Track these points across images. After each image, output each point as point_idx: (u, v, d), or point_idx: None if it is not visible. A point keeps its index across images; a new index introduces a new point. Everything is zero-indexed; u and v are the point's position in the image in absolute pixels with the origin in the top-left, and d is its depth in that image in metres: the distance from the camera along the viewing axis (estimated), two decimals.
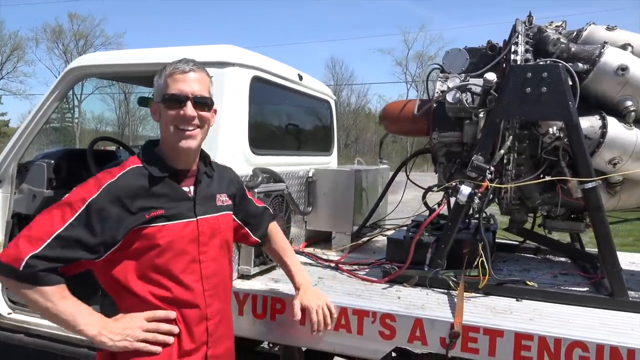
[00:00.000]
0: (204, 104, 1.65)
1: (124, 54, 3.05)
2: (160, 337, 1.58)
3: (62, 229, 1.46)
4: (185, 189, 1.67)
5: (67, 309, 1.48)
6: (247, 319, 2.31)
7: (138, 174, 1.59)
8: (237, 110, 2.63)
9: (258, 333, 2.35)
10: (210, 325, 1.69)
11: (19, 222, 3.15)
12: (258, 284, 2.45)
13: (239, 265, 2.51)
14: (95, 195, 1.50)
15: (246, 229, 1.98)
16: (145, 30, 77.97)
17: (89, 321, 1.50)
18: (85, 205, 1.48)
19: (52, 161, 3.35)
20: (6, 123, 38.32)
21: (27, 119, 3.13)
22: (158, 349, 1.57)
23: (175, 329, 1.61)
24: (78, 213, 1.48)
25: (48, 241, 1.44)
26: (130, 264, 1.57)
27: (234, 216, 1.89)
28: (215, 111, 1.74)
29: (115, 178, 1.55)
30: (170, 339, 1.60)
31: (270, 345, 3.13)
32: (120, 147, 3.63)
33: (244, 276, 2.53)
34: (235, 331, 2.35)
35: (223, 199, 1.80)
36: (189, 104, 1.60)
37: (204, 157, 1.77)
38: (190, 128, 1.62)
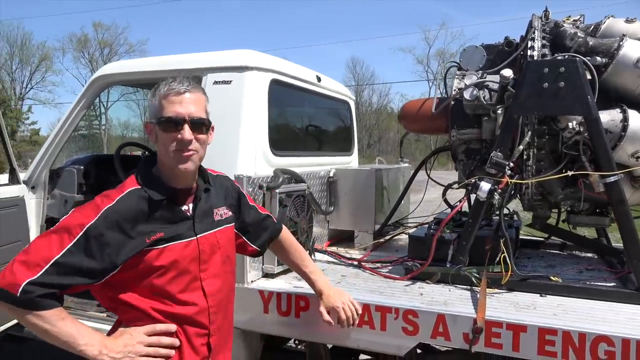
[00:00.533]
0: (201, 125, 1.59)
1: (145, 61, 3.14)
2: (163, 351, 1.56)
3: (60, 255, 1.42)
4: (184, 207, 1.64)
5: (66, 330, 1.45)
6: (273, 317, 2.36)
7: (137, 197, 1.54)
8: (256, 113, 2.68)
9: (283, 330, 2.41)
10: (213, 341, 1.69)
11: (52, 226, 3.26)
12: (282, 283, 2.50)
13: (263, 265, 2.56)
14: (94, 220, 1.46)
15: (244, 237, 1.92)
16: (168, 36, 79.16)
17: (89, 341, 1.47)
18: (83, 231, 1.44)
19: (82, 167, 3.47)
20: (37, 132, 39.44)
21: (56, 127, 3.26)
22: None
23: (176, 341, 1.59)
24: (76, 239, 1.44)
25: (46, 267, 1.40)
26: (130, 285, 1.55)
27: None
28: (213, 128, 1.68)
29: (114, 202, 1.50)
30: (172, 352, 1.59)
31: (296, 343, 3.18)
32: (146, 152, 3.73)
33: (268, 275, 2.58)
34: (261, 329, 2.44)
35: (221, 212, 1.75)
36: (186, 127, 1.55)
37: (202, 172, 1.72)
38: (188, 151, 1.56)
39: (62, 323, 1.45)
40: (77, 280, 1.45)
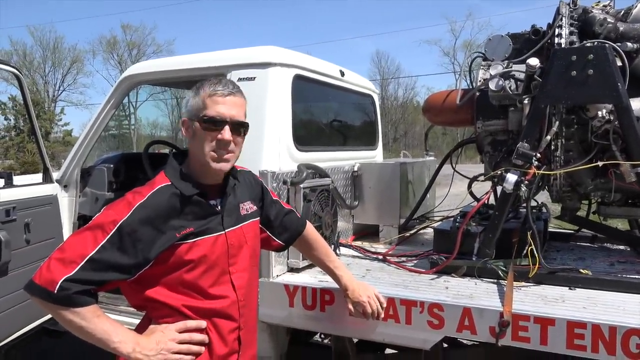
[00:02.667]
0: (241, 128, 1.64)
1: (172, 60, 3.19)
2: (195, 348, 1.58)
3: (94, 251, 1.45)
4: (213, 202, 1.67)
5: (101, 327, 1.47)
6: (298, 311, 2.37)
7: (167, 193, 1.57)
8: (280, 108, 2.70)
9: (309, 324, 2.42)
10: (242, 335, 1.71)
11: (84, 223, 3.36)
12: (307, 277, 2.51)
13: (288, 259, 2.58)
14: (126, 217, 1.49)
15: (268, 232, 1.95)
16: (194, 35, 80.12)
17: (123, 339, 1.49)
18: (116, 228, 1.47)
19: (112, 165, 3.56)
20: (69, 132, 40.41)
21: (87, 127, 3.35)
22: (192, 358, 1.59)
23: (206, 338, 1.61)
24: (110, 235, 1.47)
25: (81, 264, 1.43)
26: (161, 280, 1.57)
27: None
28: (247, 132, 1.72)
29: (145, 198, 1.54)
30: (202, 349, 1.61)
31: (322, 337, 3.20)
32: (173, 150, 3.80)
33: (293, 269, 2.60)
34: (286, 323, 2.46)
35: (247, 207, 1.78)
36: (227, 128, 1.59)
37: (231, 169, 1.73)
38: (226, 152, 1.61)
39: (97, 320, 1.48)
40: (111, 276, 1.48)
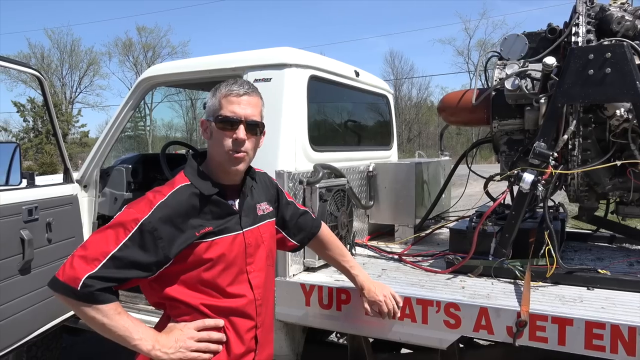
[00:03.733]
0: (256, 127, 1.65)
1: (188, 62, 3.23)
2: (212, 346, 1.60)
3: (116, 249, 1.47)
4: (231, 202, 1.69)
5: (122, 325, 1.50)
6: (314, 310, 2.39)
7: (187, 193, 1.60)
8: (296, 109, 2.72)
9: (325, 323, 2.43)
10: (259, 333, 1.73)
11: (103, 223, 3.42)
12: (323, 276, 2.53)
13: (304, 259, 2.60)
14: (147, 215, 1.51)
15: (283, 233, 1.97)
16: (208, 35, 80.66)
17: (143, 336, 1.52)
18: (137, 226, 1.50)
19: (130, 166, 3.61)
20: (86, 134, 40.93)
21: (105, 128, 3.40)
22: (210, 356, 1.61)
23: (224, 337, 1.63)
24: (131, 233, 1.49)
25: (103, 261, 1.46)
26: (180, 278, 1.59)
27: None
28: (264, 133, 1.74)
29: (166, 197, 1.56)
30: (220, 348, 1.63)
31: (338, 336, 3.21)
32: (190, 150, 3.85)
33: (309, 269, 2.62)
34: (302, 322, 2.48)
35: (264, 208, 1.80)
36: (242, 127, 1.60)
37: (248, 169, 1.76)
38: (240, 151, 1.62)
39: (119, 317, 1.50)
40: (133, 274, 1.50)
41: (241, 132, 1.61)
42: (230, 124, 1.61)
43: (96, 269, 1.45)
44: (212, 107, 1.64)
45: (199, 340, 1.59)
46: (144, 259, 1.50)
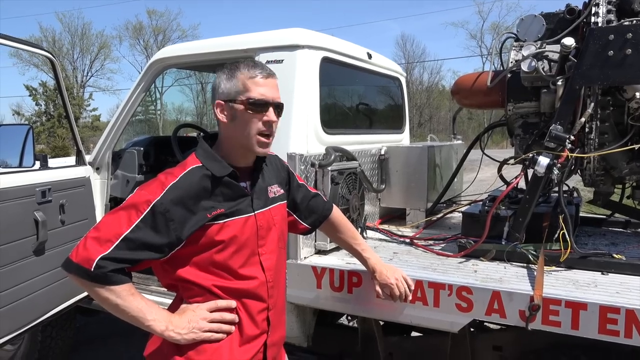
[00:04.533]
0: (280, 110, 1.67)
1: (199, 43, 3.21)
2: (225, 327, 1.61)
3: (129, 230, 1.48)
4: (243, 184, 1.68)
5: (135, 306, 1.51)
6: (325, 293, 2.40)
7: (199, 174, 1.59)
8: (308, 91, 2.70)
9: (336, 306, 2.44)
10: (271, 315, 1.73)
11: (115, 205, 3.43)
12: (335, 259, 2.53)
13: (315, 241, 2.60)
14: (159, 197, 1.51)
15: (294, 216, 1.97)
16: (218, 18, 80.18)
17: (157, 317, 1.53)
18: (150, 207, 1.49)
19: (142, 148, 3.62)
20: (97, 117, 41.12)
21: (117, 111, 3.40)
22: (223, 336, 1.61)
23: (236, 317, 1.64)
24: (143, 215, 1.49)
25: (116, 243, 1.46)
26: (192, 260, 1.59)
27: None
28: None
29: (177, 179, 1.56)
30: (233, 328, 1.64)
31: (349, 319, 3.23)
32: (201, 133, 3.85)
33: (320, 251, 2.62)
34: (314, 304, 2.49)
35: (275, 190, 1.80)
36: (271, 109, 1.61)
37: None
38: (269, 133, 1.63)
39: (132, 298, 1.51)
40: (145, 255, 1.51)
41: (272, 114, 1.61)
42: (262, 106, 1.60)
43: (109, 250, 1.46)
44: (232, 89, 1.61)
45: (212, 321, 1.59)
46: (156, 240, 1.50)
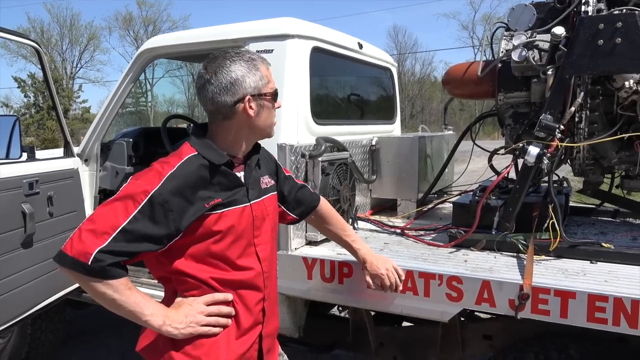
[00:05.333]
0: None
1: (188, 33, 3.17)
2: (223, 321, 1.60)
3: (126, 222, 1.43)
4: (238, 174, 1.67)
5: (133, 300, 1.47)
6: (316, 284, 2.40)
7: (196, 164, 1.56)
8: (298, 81, 2.68)
9: (327, 297, 2.44)
10: (267, 306, 1.73)
11: (104, 197, 3.41)
12: (325, 250, 2.53)
13: (306, 232, 2.60)
14: (157, 187, 1.47)
15: (283, 207, 1.96)
16: (209, 10, 79.43)
17: (154, 311, 1.50)
18: (148, 198, 1.45)
19: (131, 140, 3.59)
20: (87, 109, 40.64)
21: (105, 102, 3.36)
22: (220, 330, 1.60)
23: (233, 310, 1.63)
24: (141, 206, 1.45)
25: (113, 235, 1.41)
26: (188, 251, 1.57)
27: None
28: None
29: (175, 168, 1.52)
30: (229, 321, 1.62)
31: (340, 309, 3.23)
32: (191, 124, 3.82)
33: (311, 242, 2.62)
34: (304, 295, 2.48)
35: (266, 181, 1.80)
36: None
37: (255, 142, 1.76)
38: None
39: (129, 292, 1.47)
40: (144, 247, 1.46)
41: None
42: (277, 95, 1.68)
43: (106, 242, 1.41)
44: (260, 82, 1.60)
45: (209, 315, 1.57)
46: (154, 231, 1.46)
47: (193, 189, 1.53)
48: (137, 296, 1.49)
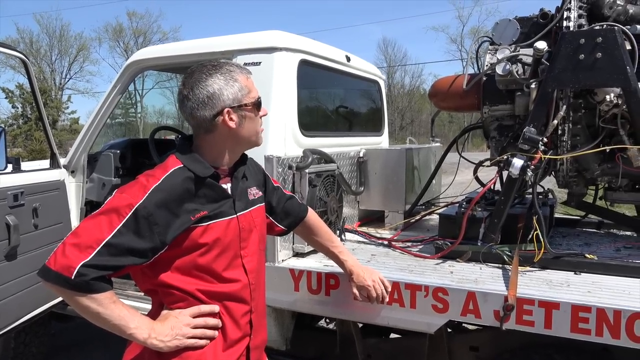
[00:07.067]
0: None
1: (176, 45, 3.19)
2: (209, 333, 1.58)
3: (110, 236, 1.42)
4: (224, 186, 1.66)
5: (118, 314, 1.46)
6: (303, 295, 2.39)
7: (182, 176, 1.55)
8: (286, 93, 2.69)
9: (314, 309, 2.43)
10: (254, 318, 1.72)
11: (91, 209, 3.39)
12: (312, 261, 2.53)
13: (293, 244, 2.60)
14: (142, 200, 1.46)
15: (271, 218, 1.95)
16: (200, 22, 79.70)
17: (139, 324, 1.49)
18: (132, 211, 1.44)
19: (118, 151, 3.58)
20: (76, 120, 40.39)
21: (93, 113, 3.35)
22: (207, 342, 1.58)
23: (219, 322, 1.61)
24: (126, 219, 1.44)
25: (98, 249, 1.40)
26: (174, 264, 1.55)
27: None
28: None
29: (160, 181, 1.51)
30: (216, 333, 1.61)
31: (327, 321, 3.22)
32: (179, 136, 3.81)
33: (298, 254, 2.62)
34: (292, 307, 2.48)
35: (254, 192, 1.78)
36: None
37: (242, 154, 1.75)
38: None
39: (114, 306, 1.46)
40: (128, 261, 1.45)
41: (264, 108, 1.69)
42: (260, 102, 1.67)
43: (90, 256, 1.40)
44: (238, 92, 1.59)
45: (195, 327, 1.56)
46: (139, 245, 1.45)
47: (178, 202, 1.52)
48: (121, 309, 1.48)
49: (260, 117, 1.68)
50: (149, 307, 1.69)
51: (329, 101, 3.64)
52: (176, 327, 1.53)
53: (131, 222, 1.44)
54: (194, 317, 1.57)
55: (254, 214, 1.75)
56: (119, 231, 1.43)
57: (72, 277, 1.38)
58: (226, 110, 1.57)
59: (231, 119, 1.58)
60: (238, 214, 1.67)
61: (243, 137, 1.64)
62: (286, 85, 2.70)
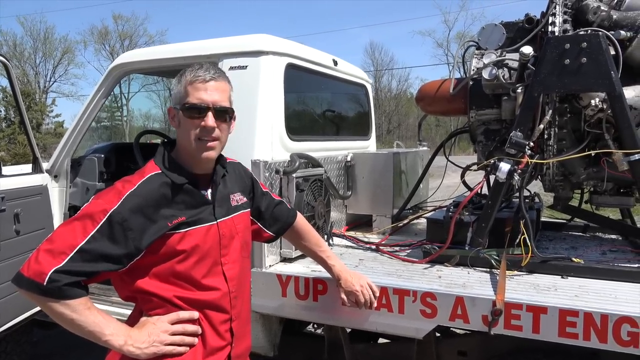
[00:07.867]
0: (225, 114, 1.60)
1: (161, 49, 3.15)
2: (188, 339, 1.56)
3: (84, 242, 1.41)
4: (204, 192, 1.64)
5: (92, 320, 1.44)
6: (291, 301, 2.37)
7: (158, 182, 1.54)
8: (272, 97, 2.67)
9: (302, 314, 2.42)
10: (235, 326, 1.69)
11: (75, 214, 3.32)
12: (300, 267, 2.51)
13: (280, 249, 2.57)
14: (116, 206, 1.45)
15: (259, 224, 1.93)
16: (186, 25, 79.31)
17: (114, 331, 1.47)
18: (106, 217, 1.44)
19: (102, 155, 3.53)
20: (61, 124, 39.90)
21: (76, 117, 3.30)
22: (186, 349, 1.56)
23: (199, 329, 1.59)
24: (100, 225, 1.43)
25: (71, 255, 1.40)
26: (152, 270, 1.54)
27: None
28: (235, 118, 1.68)
29: (136, 187, 1.50)
30: (196, 340, 1.59)
31: (315, 327, 3.20)
32: (165, 140, 3.77)
33: (286, 259, 2.59)
34: (279, 313, 2.45)
35: (237, 199, 1.76)
36: (210, 114, 1.55)
37: (220, 158, 1.70)
38: (211, 139, 1.57)
39: (89, 312, 1.44)
40: (102, 267, 1.44)
41: (210, 119, 1.55)
42: (198, 111, 1.55)
43: (63, 262, 1.39)
44: (178, 95, 1.58)
45: (173, 334, 1.54)
46: (113, 251, 1.44)
47: (155, 207, 1.51)
48: (96, 316, 1.46)
49: (201, 127, 1.55)
50: (129, 314, 1.66)
51: (316, 105, 3.63)
52: (153, 333, 1.51)
53: (105, 227, 1.44)
54: (173, 324, 1.55)
55: (236, 220, 1.73)
56: (92, 237, 1.42)
57: (44, 283, 1.38)
58: (169, 108, 1.64)
59: (173, 119, 1.62)
60: (218, 221, 1.65)
61: (181, 142, 1.62)
62: (273, 89, 2.68)
